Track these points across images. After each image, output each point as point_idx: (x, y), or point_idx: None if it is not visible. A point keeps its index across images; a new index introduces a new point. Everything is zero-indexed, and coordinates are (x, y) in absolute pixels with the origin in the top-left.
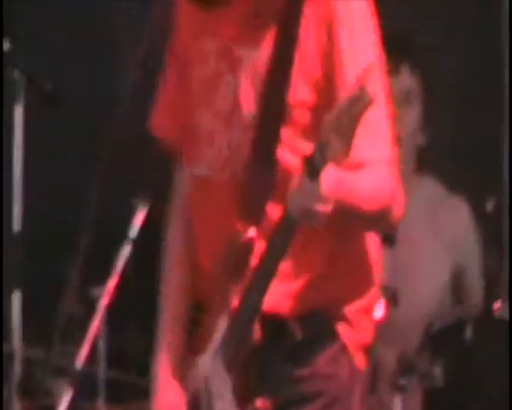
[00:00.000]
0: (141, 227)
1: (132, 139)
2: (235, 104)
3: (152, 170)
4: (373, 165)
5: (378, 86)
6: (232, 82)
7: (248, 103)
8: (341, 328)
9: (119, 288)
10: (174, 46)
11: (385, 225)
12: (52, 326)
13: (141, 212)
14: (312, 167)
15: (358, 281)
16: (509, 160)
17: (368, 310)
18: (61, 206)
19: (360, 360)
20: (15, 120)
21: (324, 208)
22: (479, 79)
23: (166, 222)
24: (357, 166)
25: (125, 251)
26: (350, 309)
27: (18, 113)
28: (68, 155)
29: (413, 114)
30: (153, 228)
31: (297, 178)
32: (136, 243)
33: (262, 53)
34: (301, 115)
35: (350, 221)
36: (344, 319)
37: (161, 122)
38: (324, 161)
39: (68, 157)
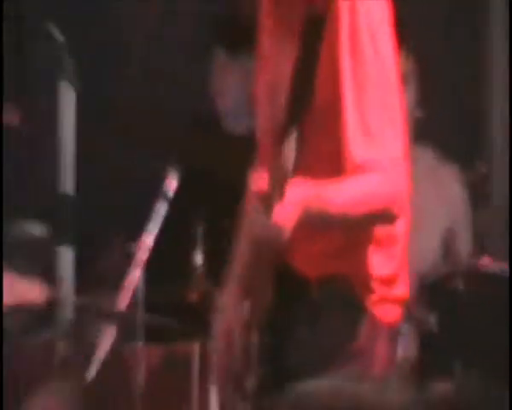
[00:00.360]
0: (174, 191)
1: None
2: (276, 84)
3: (184, 142)
4: (371, 168)
5: (381, 83)
6: (276, 65)
7: (283, 88)
8: (363, 293)
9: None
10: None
11: (384, 223)
12: (98, 277)
13: (173, 179)
14: (266, 203)
15: (381, 253)
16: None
17: (396, 277)
18: (104, 171)
19: (385, 314)
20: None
21: (275, 237)
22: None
23: None
24: (357, 169)
25: (161, 211)
26: (375, 277)
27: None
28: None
29: (410, 93)
30: (186, 190)
31: (253, 208)
32: (171, 204)
33: (293, 50)
34: (320, 111)
35: (340, 226)
36: (366, 285)
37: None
38: (279, 197)
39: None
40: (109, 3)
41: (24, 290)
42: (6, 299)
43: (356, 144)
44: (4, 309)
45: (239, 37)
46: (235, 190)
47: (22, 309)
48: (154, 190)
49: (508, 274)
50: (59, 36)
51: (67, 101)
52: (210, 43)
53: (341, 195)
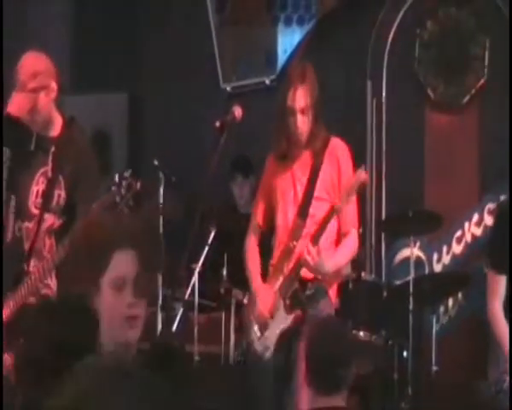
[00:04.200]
0: (212, 238)
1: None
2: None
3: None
4: (351, 232)
5: (353, 198)
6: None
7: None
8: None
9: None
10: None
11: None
12: (176, 282)
13: (212, 231)
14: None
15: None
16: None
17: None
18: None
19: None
20: None
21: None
22: None
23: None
24: (346, 232)
25: (205, 248)
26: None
27: None
28: None
29: None
30: (219, 237)
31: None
32: (210, 245)
33: (304, 176)
34: (318, 206)
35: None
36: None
37: None
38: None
39: None
40: None
41: None
42: None
43: (344, 223)
44: None
45: (249, 167)
46: (242, 238)
47: None
48: (203, 238)
49: None
50: None
51: None
52: (232, 170)
53: (343, 255)
